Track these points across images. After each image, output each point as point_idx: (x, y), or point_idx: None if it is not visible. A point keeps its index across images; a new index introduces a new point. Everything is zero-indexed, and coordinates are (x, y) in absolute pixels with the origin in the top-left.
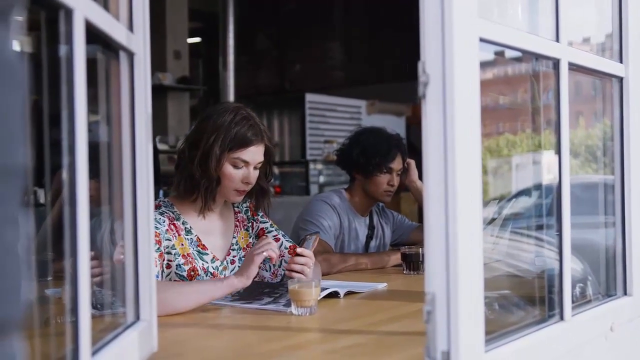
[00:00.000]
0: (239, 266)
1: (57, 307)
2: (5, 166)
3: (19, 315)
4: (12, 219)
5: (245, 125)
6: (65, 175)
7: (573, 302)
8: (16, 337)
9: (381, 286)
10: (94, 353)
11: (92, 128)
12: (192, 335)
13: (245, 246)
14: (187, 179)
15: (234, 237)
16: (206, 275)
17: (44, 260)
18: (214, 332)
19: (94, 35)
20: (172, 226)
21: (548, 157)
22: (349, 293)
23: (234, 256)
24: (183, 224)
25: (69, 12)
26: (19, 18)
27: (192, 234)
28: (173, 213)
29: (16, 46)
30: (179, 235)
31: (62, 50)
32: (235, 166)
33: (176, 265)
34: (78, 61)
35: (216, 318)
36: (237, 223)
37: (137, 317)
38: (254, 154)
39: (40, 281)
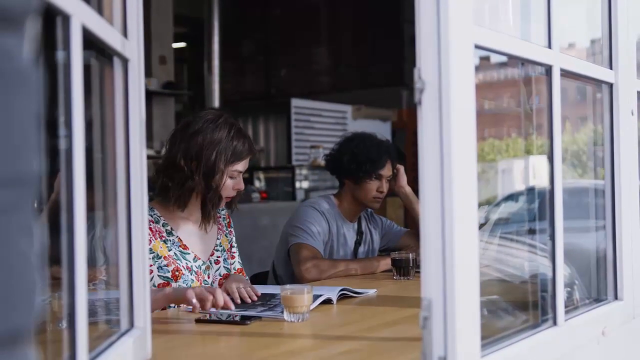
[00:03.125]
0: (224, 266)
1: (48, 314)
2: (20, 174)
3: (33, 324)
4: (27, 227)
5: (241, 139)
6: (62, 181)
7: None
8: (30, 346)
9: (372, 292)
10: None
11: (85, 134)
12: (186, 343)
13: (226, 249)
14: (187, 192)
15: (218, 239)
16: (190, 274)
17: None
18: (208, 339)
19: (89, 41)
20: (148, 230)
21: (534, 162)
22: (342, 297)
23: (217, 256)
24: (163, 226)
25: (66, 18)
26: (33, 26)
27: (173, 235)
28: (152, 216)
29: (30, 54)
30: (156, 238)
31: (59, 55)
32: (231, 177)
33: (158, 267)
34: (75, 67)
35: (210, 325)
36: (220, 226)
37: (132, 325)
38: (247, 163)
39: None
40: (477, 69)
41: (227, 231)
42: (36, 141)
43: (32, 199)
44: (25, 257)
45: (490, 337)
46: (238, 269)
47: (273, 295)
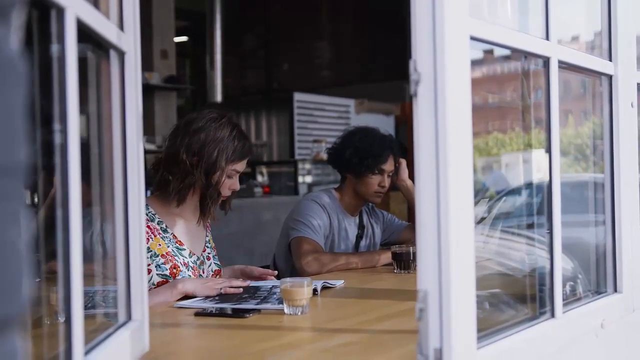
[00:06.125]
0: (214, 262)
1: (46, 307)
2: (8, 164)
3: (21, 313)
4: (15, 216)
5: (242, 140)
6: (57, 176)
7: (563, 299)
8: (18, 335)
9: (339, 283)
10: (87, 353)
11: (81, 128)
12: (184, 335)
13: (213, 247)
14: (187, 187)
15: (207, 236)
16: (187, 270)
17: (34, 261)
18: (206, 331)
19: (84, 34)
20: (146, 228)
21: (537, 156)
22: (324, 288)
23: (208, 253)
24: (158, 223)
25: (60, 11)
26: (20, 15)
27: (168, 232)
28: (147, 214)
29: (16, 45)
30: (155, 236)
31: (53, 49)
32: (229, 176)
33: (156, 266)
34: (70, 60)
35: (208, 319)
36: (207, 225)
37: (129, 317)
38: (245, 164)
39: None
40: (481, 62)
41: (210, 231)
42: (23, 131)
43: (21, 188)
44: (13, 246)
45: (487, 329)
46: (215, 270)
47: (258, 288)
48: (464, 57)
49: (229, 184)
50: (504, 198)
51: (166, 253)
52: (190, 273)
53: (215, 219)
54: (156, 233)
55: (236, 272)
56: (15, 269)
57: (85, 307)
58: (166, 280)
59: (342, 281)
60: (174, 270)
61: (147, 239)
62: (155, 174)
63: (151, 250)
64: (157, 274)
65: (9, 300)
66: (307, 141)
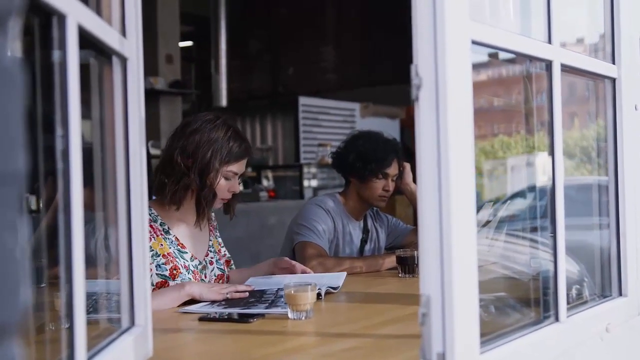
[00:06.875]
0: (217, 267)
1: (51, 313)
2: (5, 171)
3: (18, 320)
4: (11, 224)
5: (238, 140)
6: (59, 181)
7: (569, 303)
8: (15, 342)
9: (342, 278)
10: (89, 358)
11: (84, 134)
12: (187, 341)
13: (217, 250)
14: (182, 189)
15: (210, 240)
16: (188, 273)
17: (38, 267)
18: (210, 337)
19: (87, 40)
20: (149, 228)
21: (543, 159)
22: (328, 293)
23: (211, 257)
24: (161, 225)
25: (62, 18)
26: (17, 24)
27: (170, 234)
28: (150, 215)
29: (14, 52)
30: (157, 236)
31: (55, 55)
32: (226, 178)
33: (156, 265)
34: (71, 67)
35: (213, 324)
36: (211, 228)
37: (132, 323)
38: (243, 165)
39: (34, 288)
40: (486, 65)
41: (216, 233)
42: (21, 139)
43: (19, 196)
44: (10, 253)
45: (491, 333)
46: (226, 261)
47: (264, 292)
48: (465, 61)
49: (228, 186)
50: (509, 201)
51: (167, 254)
52: (190, 276)
53: (211, 219)
54: (158, 233)
55: (272, 267)
56: (13, 277)
57: (88, 312)
58: (165, 281)
59: (344, 273)
60: (174, 272)
61: (149, 238)
62: (154, 179)
63: (152, 250)
64: (156, 274)
65: (7, 307)
66: (313, 145)
